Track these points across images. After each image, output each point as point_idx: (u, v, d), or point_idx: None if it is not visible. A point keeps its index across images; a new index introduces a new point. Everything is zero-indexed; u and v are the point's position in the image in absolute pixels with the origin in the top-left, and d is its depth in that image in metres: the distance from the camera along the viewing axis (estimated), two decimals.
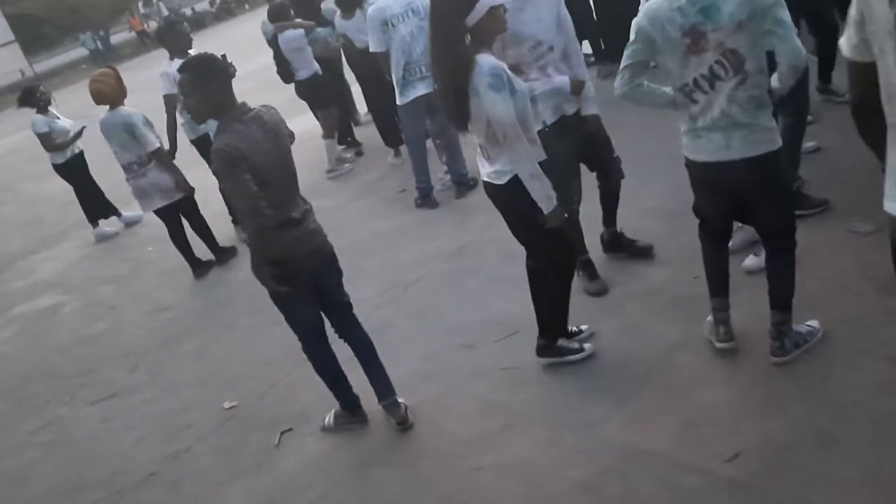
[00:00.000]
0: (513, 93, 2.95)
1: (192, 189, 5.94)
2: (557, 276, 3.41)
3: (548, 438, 3.15)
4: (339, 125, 7.65)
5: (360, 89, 7.73)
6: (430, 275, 4.87)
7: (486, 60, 2.93)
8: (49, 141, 7.41)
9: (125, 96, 5.77)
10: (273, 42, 7.11)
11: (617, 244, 4.25)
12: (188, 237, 6.16)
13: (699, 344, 3.35)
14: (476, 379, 3.68)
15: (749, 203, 2.94)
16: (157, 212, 5.96)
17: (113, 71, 5.90)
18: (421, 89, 5.55)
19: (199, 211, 6.15)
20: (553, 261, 3.35)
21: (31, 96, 7.45)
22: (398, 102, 5.69)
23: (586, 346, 3.54)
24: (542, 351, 3.55)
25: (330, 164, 7.36)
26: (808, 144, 4.32)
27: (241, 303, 5.45)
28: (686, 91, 2.81)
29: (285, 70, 7.19)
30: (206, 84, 3.07)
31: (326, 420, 3.71)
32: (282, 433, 3.77)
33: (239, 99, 3.18)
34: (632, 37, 2.86)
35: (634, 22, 2.84)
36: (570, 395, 3.35)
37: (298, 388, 4.12)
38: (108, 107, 5.72)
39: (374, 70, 6.18)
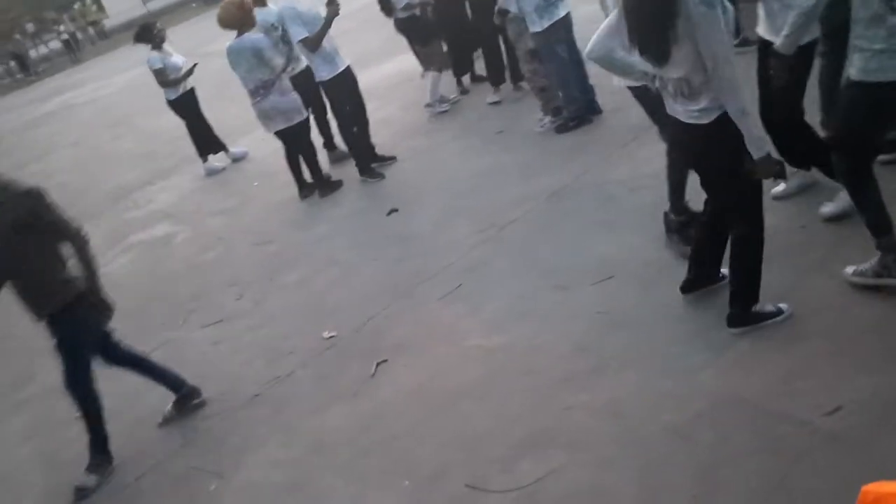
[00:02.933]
0: (724, 10, 2.67)
1: (307, 114, 6.17)
2: (758, 236, 3.05)
3: (640, 382, 3.13)
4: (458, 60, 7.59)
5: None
6: (527, 216, 4.86)
7: None
8: (163, 76, 7.72)
9: (253, 22, 5.92)
10: None
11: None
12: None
13: (804, 293, 3.22)
14: (569, 320, 3.69)
15: None
16: (278, 133, 6.19)
17: None
18: (562, 10, 5.57)
19: (309, 137, 6.33)
20: (754, 218, 3.02)
21: (147, 33, 7.76)
22: (536, 29, 5.61)
23: (783, 305, 3.16)
24: (736, 320, 3.15)
25: (431, 97, 7.36)
26: None
27: (342, 238, 5.62)
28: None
29: (385, 7, 7.22)
30: None
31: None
32: (377, 364, 3.91)
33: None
34: None
35: None
36: (665, 341, 3.31)
37: (394, 322, 4.24)
38: (235, 33, 5.91)
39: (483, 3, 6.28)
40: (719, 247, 3.33)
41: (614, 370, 3.26)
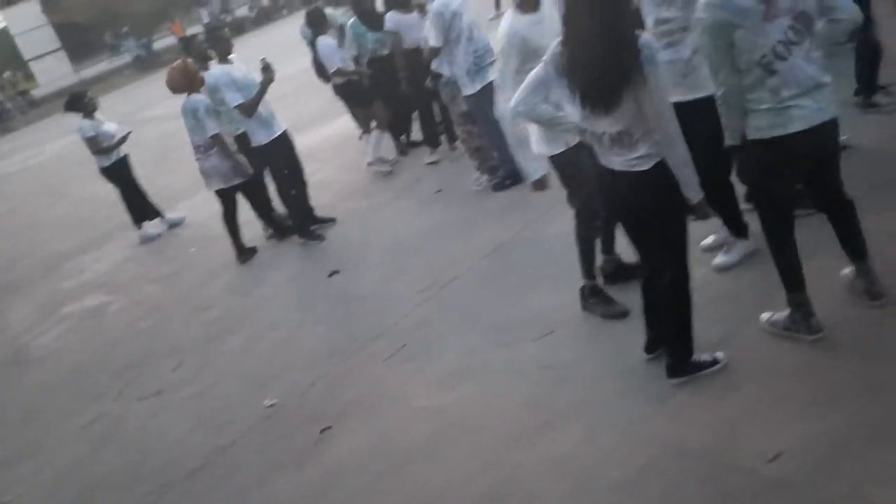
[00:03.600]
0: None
1: (251, 173, 6.22)
2: (681, 288, 3.13)
3: (587, 436, 3.15)
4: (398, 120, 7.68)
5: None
6: (468, 273, 4.90)
7: (643, 36, 2.83)
8: (96, 144, 7.61)
9: (198, 84, 6.05)
10: (312, 46, 7.22)
11: (620, 271, 4.04)
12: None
13: (738, 341, 3.32)
14: (515, 377, 3.71)
15: (822, 166, 3.06)
16: (216, 192, 6.34)
17: (180, 63, 6.18)
18: (493, 74, 5.62)
19: (260, 193, 6.43)
20: (683, 260, 3.09)
21: (78, 102, 7.67)
22: (469, 92, 5.73)
23: (718, 355, 3.23)
24: (676, 371, 3.21)
25: (373, 155, 7.40)
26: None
27: (283, 301, 5.57)
28: (765, 63, 2.83)
29: (321, 74, 7.31)
30: None
31: None
32: (322, 430, 3.83)
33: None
34: (704, 36, 2.89)
35: (699, 21, 2.87)
36: (609, 393, 3.35)
37: (338, 385, 4.19)
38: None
39: (417, 69, 6.40)
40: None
41: (561, 425, 3.27)
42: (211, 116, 5.99)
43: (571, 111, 3.01)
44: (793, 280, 3.14)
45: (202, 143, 6.09)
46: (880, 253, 3.24)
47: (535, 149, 3.78)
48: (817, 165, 3.07)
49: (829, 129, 2.95)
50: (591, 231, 3.84)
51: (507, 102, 3.28)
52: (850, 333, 3.14)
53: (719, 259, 3.87)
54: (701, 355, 3.23)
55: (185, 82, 6.02)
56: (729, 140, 3.09)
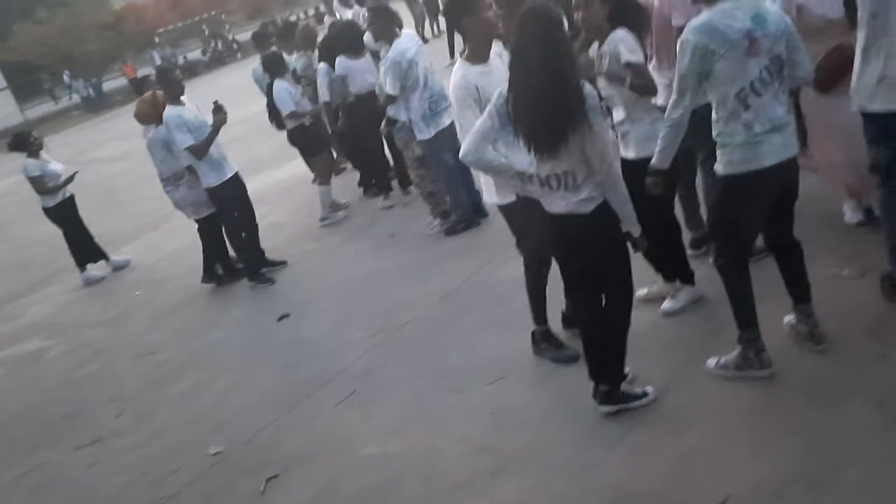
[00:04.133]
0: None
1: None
2: (628, 312, 3.31)
3: (539, 482, 3.13)
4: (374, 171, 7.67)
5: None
6: (420, 317, 4.88)
7: (587, 86, 2.95)
8: (40, 184, 7.43)
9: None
10: (268, 90, 7.22)
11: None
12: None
13: (685, 385, 3.36)
14: (466, 422, 3.67)
15: (782, 202, 3.16)
16: (197, 220, 6.44)
17: (149, 95, 6.27)
18: (447, 119, 5.74)
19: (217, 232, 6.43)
20: (627, 294, 3.29)
21: (23, 141, 7.50)
22: (423, 137, 5.78)
23: (648, 389, 3.36)
24: (607, 398, 3.31)
25: (323, 211, 7.40)
26: None
27: (231, 345, 5.45)
28: (742, 96, 2.94)
29: (275, 118, 7.30)
30: None
31: None
32: (268, 480, 3.73)
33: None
34: (685, 55, 2.97)
35: (684, 41, 2.97)
36: (561, 438, 3.34)
37: (286, 432, 4.09)
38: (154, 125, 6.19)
39: (370, 114, 6.44)
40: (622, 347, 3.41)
41: (513, 471, 3.24)
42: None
43: (517, 157, 3.06)
44: (747, 317, 3.21)
45: (171, 174, 6.21)
46: (821, 298, 3.33)
47: (487, 199, 3.83)
48: (778, 202, 3.17)
49: (793, 165, 3.09)
50: (540, 278, 3.86)
51: (466, 146, 3.31)
52: (794, 377, 3.20)
53: (666, 305, 3.94)
54: (633, 388, 3.35)
55: (154, 114, 6.11)
56: (657, 164, 3.20)
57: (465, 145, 3.15)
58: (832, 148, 3.92)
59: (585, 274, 3.27)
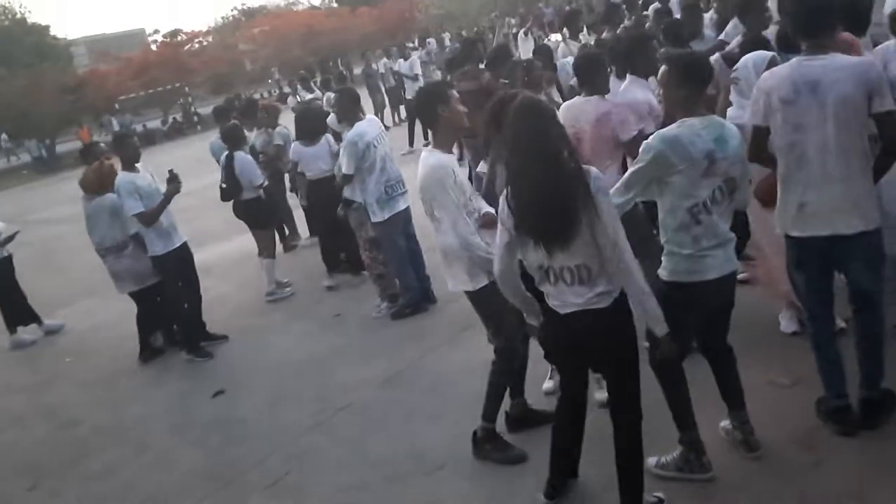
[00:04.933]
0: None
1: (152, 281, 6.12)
2: (638, 435, 3.06)
3: None
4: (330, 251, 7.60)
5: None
6: (359, 402, 4.77)
7: (590, 168, 2.86)
8: None
9: (110, 185, 5.94)
10: (225, 161, 7.23)
11: (529, 417, 3.94)
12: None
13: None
14: None
15: (720, 312, 3.26)
16: (130, 294, 6.22)
17: (97, 163, 6.20)
18: (402, 204, 5.81)
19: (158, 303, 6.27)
20: (636, 413, 3.03)
21: None
22: (377, 219, 5.80)
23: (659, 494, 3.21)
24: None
25: (269, 286, 7.31)
26: None
27: (160, 421, 5.24)
28: (694, 211, 3.02)
29: (231, 188, 7.28)
30: None
31: None
32: None
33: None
34: (645, 157, 3.04)
35: (649, 145, 3.05)
36: None
37: None
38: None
39: (326, 196, 6.51)
40: (580, 440, 3.32)
41: None
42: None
43: (529, 257, 2.95)
44: (687, 419, 3.23)
45: (113, 243, 6.07)
46: (755, 405, 3.36)
47: (452, 287, 3.72)
48: (716, 312, 3.25)
49: (733, 279, 3.18)
50: (508, 372, 3.77)
51: (458, 231, 3.48)
52: (730, 483, 3.20)
53: (598, 395, 3.88)
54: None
55: (97, 183, 6.04)
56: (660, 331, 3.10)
57: (496, 265, 3.03)
58: (771, 258, 4.06)
59: (583, 378, 3.18)
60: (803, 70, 3.13)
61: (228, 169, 7.08)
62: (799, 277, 3.39)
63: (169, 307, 6.27)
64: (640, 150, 3.09)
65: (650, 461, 3.33)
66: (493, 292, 3.46)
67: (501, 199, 2.93)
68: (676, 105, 3.13)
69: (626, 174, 3.13)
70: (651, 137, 3.11)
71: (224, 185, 7.21)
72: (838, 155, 3.12)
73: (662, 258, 3.16)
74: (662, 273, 3.16)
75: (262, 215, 7.31)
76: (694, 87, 3.07)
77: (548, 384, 4.19)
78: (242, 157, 7.05)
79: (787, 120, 3.16)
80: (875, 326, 3.33)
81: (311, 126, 6.98)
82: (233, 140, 7.16)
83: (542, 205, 2.77)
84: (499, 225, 2.97)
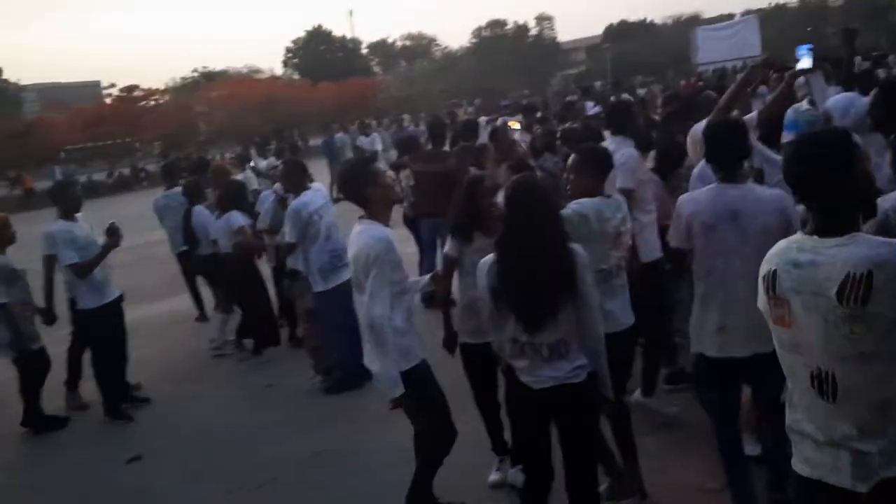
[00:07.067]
0: None
1: (27, 351, 5.68)
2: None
3: None
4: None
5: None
6: (279, 480, 4.57)
7: (573, 245, 2.97)
8: None
9: (4, 243, 5.68)
10: (185, 215, 7.25)
11: None
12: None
13: None
14: None
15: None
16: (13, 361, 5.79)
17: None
18: (346, 275, 5.63)
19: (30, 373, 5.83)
20: (592, 487, 3.12)
21: None
22: (319, 289, 5.70)
23: None
24: None
25: (218, 339, 7.17)
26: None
27: (64, 490, 4.94)
28: (603, 275, 3.37)
29: (188, 238, 7.24)
30: None
31: None
32: None
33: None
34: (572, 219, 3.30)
35: (572, 210, 3.37)
36: None
37: None
38: None
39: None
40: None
41: None
42: (1, 283, 5.56)
43: (507, 329, 2.99)
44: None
45: None
46: None
47: (381, 365, 3.53)
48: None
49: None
50: (434, 458, 3.67)
51: (382, 309, 3.39)
52: None
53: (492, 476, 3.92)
54: None
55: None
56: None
57: (494, 340, 3.14)
58: None
59: (546, 450, 3.12)
60: (724, 198, 3.21)
61: (186, 222, 7.15)
62: (709, 395, 3.40)
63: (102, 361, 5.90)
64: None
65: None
66: (425, 372, 3.41)
67: (485, 272, 3.00)
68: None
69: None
70: (575, 204, 3.43)
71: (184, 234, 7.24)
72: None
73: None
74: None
75: (217, 271, 7.20)
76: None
77: (494, 476, 4.09)
78: (198, 212, 7.08)
79: (709, 244, 3.22)
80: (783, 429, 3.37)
81: (229, 197, 6.90)
82: (194, 194, 7.26)
83: (530, 285, 2.88)
84: (483, 300, 3.07)
